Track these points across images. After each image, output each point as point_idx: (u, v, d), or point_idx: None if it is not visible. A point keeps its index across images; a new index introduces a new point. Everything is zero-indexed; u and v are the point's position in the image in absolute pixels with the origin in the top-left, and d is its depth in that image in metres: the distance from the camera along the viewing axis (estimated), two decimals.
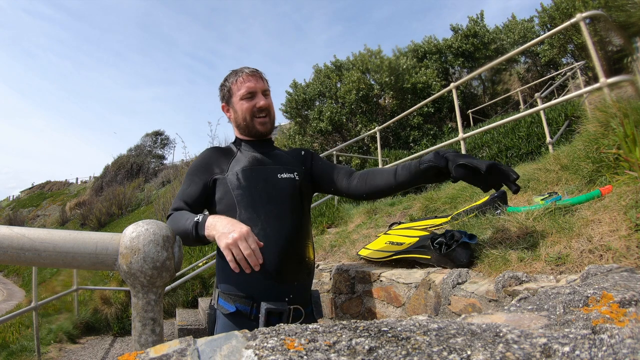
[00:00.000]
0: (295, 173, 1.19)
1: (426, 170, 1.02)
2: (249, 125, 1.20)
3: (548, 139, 3.25)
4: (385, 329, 0.46)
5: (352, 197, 1.22)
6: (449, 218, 1.71)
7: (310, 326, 0.47)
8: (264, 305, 1.01)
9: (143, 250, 0.67)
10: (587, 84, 7.77)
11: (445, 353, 0.39)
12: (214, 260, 1.92)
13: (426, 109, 9.33)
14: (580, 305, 0.53)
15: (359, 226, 2.90)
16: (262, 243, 0.93)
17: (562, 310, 0.53)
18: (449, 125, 9.83)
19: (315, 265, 2.23)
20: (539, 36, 7.18)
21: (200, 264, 4.63)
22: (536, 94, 4.65)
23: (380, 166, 4.98)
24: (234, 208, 1.09)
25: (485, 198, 1.59)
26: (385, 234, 1.86)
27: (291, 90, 11.36)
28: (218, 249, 1.12)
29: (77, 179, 36.34)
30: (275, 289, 1.05)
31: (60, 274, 11.02)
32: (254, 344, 0.41)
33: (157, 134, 26.14)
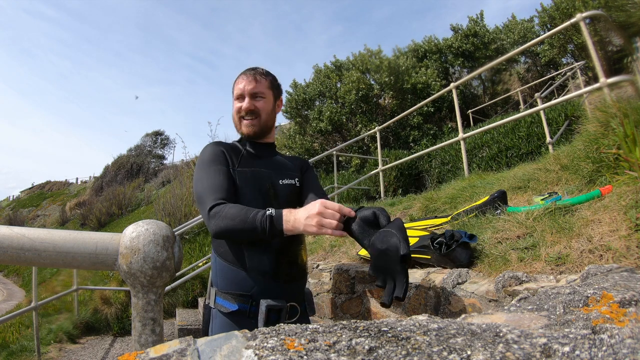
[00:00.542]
0: (296, 179, 1.22)
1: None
2: (237, 126, 1.23)
3: (548, 139, 3.26)
4: (385, 329, 0.46)
5: None
6: (449, 218, 1.71)
7: (310, 326, 0.47)
8: (263, 303, 1.03)
9: (143, 250, 0.67)
10: (587, 84, 7.76)
11: (445, 353, 0.39)
12: None
13: (426, 108, 9.32)
14: (580, 305, 0.53)
15: None
16: (339, 206, 0.91)
17: (562, 310, 0.53)
18: (449, 125, 9.82)
19: (315, 265, 2.23)
20: (539, 36, 7.19)
21: (200, 264, 4.62)
22: (536, 94, 4.65)
23: (380, 166, 4.99)
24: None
25: (485, 198, 1.59)
26: None
27: (291, 90, 11.35)
28: (215, 248, 1.12)
29: (77, 179, 36.29)
30: (273, 288, 1.07)
31: (60, 274, 11.00)
32: (254, 344, 0.41)
33: (157, 134, 26.10)
